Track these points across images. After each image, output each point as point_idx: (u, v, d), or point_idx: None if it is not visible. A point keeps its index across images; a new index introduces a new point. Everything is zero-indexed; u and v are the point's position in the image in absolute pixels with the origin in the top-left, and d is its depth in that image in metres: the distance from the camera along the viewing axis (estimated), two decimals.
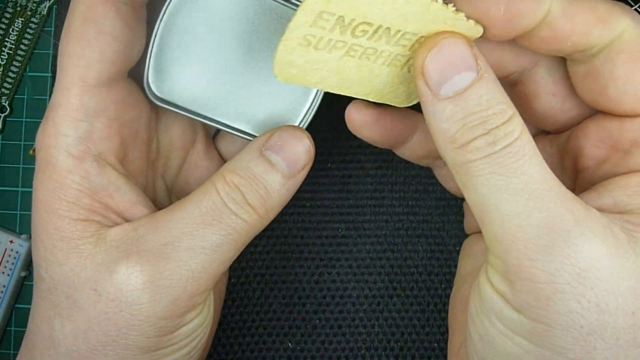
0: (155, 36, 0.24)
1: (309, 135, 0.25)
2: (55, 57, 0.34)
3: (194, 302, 0.22)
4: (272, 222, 0.25)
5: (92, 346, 0.21)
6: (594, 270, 0.18)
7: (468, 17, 0.22)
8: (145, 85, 0.25)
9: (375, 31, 0.22)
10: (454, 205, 0.34)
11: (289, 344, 0.33)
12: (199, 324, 0.24)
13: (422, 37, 0.22)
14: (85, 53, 0.21)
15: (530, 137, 0.20)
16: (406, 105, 0.26)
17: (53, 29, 0.34)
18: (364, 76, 0.24)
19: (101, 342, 0.21)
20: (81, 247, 0.22)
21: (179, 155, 0.28)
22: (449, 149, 0.20)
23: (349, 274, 0.33)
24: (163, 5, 0.24)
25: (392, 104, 0.25)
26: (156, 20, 0.24)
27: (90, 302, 0.21)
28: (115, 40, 0.22)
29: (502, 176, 0.19)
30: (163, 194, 0.28)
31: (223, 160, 0.30)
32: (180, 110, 0.26)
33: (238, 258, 0.24)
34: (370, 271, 0.33)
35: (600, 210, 0.20)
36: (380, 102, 0.25)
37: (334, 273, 0.33)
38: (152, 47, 0.25)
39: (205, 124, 0.27)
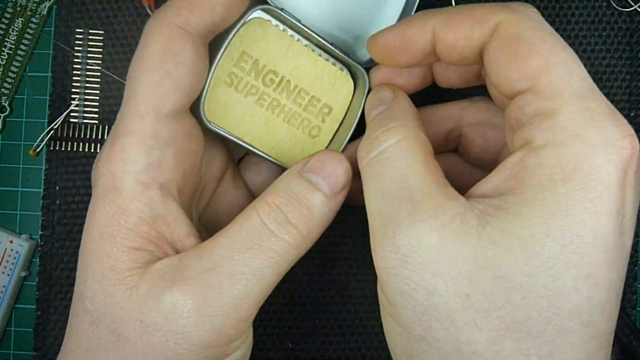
0: (215, 67, 0.25)
1: (346, 158, 0.25)
2: (55, 57, 0.34)
3: (238, 330, 0.22)
4: None
5: None
6: (417, 256, 0.20)
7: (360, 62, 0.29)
8: (201, 111, 0.26)
9: (280, 83, 0.27)
10: None
11: (289, 344, 0.33)
12: (243, 355, 0.23)
13: (313, 97, 0.28)
14: (163, 83, 0.22)
15: (411, 144, 0.22)
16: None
17: (53, 29, 0.34)
18: (269, 129, 0.28)
19: None
20: (129, 279, 0.21)
21: (212, 186, 0.28)
22: None
23: (349, 274, 0.33)
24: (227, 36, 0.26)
25: (285, 166, 0.28)
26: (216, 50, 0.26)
27: (136, 334, 0.21)
28: (191, 73, 0.22)
29: (369, 180, 0.22)
30: (196, 224, 0.27)
31: (248, 189, 0.30)
32: (232, 136, 0.27)
33: None
34: (370, 271, 0.33)
35: (484, 196, 0.21)
36: (277, 161, 0.28)
37: (334, 273, 0.33)
38: (211, 76, 0.25)
39: (234, 152, 0.29)
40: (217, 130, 0.27)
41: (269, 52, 0.27)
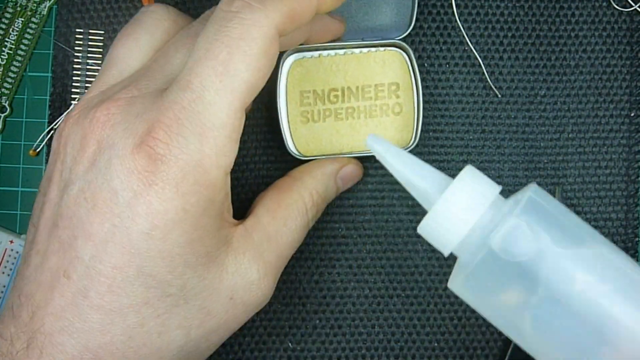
0: (287, 117, 0.32)
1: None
2: (55, 57, 0.34)
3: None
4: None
5: (211, 345, 0.25)
6: None
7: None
8: (294, 153, 0.32)
9: (343, 93, 0.32)
10: None
11: (289, 344, 0.33)
12: None
13: (375, 85, 0.32)
14: (259, 83, 0.24)
15: None
16: (404, 147, 0.32)
17: (53, 29, 0.34)
18: (358, 131, 0.32)
19: (222, 339, 0.25)
20: (219, 260, 0.24)
21: None
22: None
23: (349, 274, 0.33)
24: None
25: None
26: None
27: (224, 309, 0.24)
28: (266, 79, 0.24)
29: None
30: None
31: None
32: (332, 155, 0.32)
33: None
34: (370, 271, 0.33)
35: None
36: None
37: (334, 273, 0.33)
38: (287, 126, 0.32)
39: None
40: (317, 158, 0.31)
41: (319, 78, 0.32)
